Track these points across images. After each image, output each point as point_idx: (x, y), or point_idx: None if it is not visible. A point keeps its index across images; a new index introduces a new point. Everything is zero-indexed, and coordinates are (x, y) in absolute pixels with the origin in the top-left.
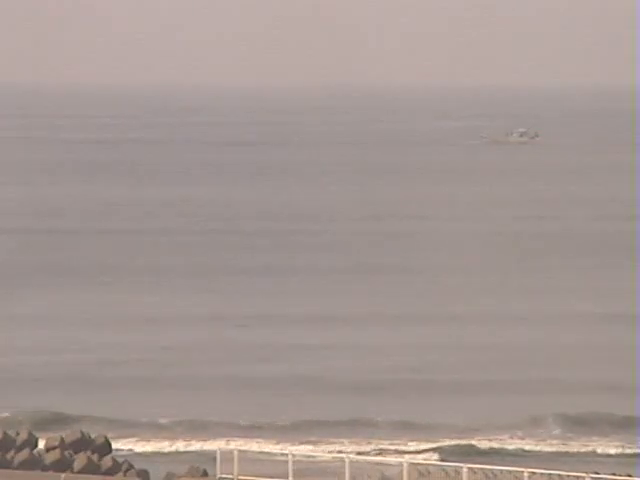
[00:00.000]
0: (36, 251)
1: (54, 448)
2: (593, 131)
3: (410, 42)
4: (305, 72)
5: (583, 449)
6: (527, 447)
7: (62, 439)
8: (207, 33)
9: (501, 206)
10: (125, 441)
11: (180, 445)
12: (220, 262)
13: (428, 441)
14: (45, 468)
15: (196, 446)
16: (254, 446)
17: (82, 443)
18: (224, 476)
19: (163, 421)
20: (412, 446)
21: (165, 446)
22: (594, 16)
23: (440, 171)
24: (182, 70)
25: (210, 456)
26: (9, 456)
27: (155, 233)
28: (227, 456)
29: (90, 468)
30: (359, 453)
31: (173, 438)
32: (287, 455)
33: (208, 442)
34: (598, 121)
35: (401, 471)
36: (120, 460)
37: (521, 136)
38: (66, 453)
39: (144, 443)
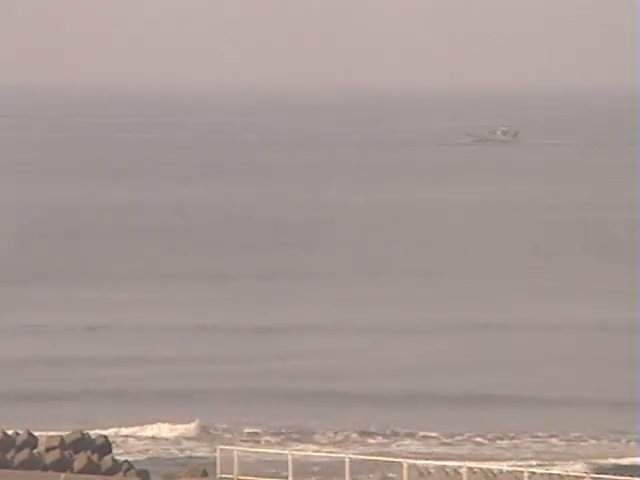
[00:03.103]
0: (36, 253)
1: (54, 448)
2: (579, 130)
3: (409, 42)
4: (305, 72)
5: None
6: None
7: (62, 439)
8: (207, 33)
9: (495, 206)
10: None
11: (180, 445)
12: (220, 264)
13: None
14: (45, 468)
15: (196, 447)
16: (254, 446)
17: (82, 443)
18: (224, 476)
19: (165, 423)
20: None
21: (165, 447)
22: (594, 16)
23: (435, 170)
24: (181, 70)
25: (210, 456)
26: (9, 456)
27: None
28: (227, 456)
29: (90, 468)
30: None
31: (173, 439)
32: (287, 455)
33: (208, 443)
34: (589, 120)
35: (401, 471)
36: (120, 460)
37: (504, 134)
38: (66, 453)
39: (144, 444)
